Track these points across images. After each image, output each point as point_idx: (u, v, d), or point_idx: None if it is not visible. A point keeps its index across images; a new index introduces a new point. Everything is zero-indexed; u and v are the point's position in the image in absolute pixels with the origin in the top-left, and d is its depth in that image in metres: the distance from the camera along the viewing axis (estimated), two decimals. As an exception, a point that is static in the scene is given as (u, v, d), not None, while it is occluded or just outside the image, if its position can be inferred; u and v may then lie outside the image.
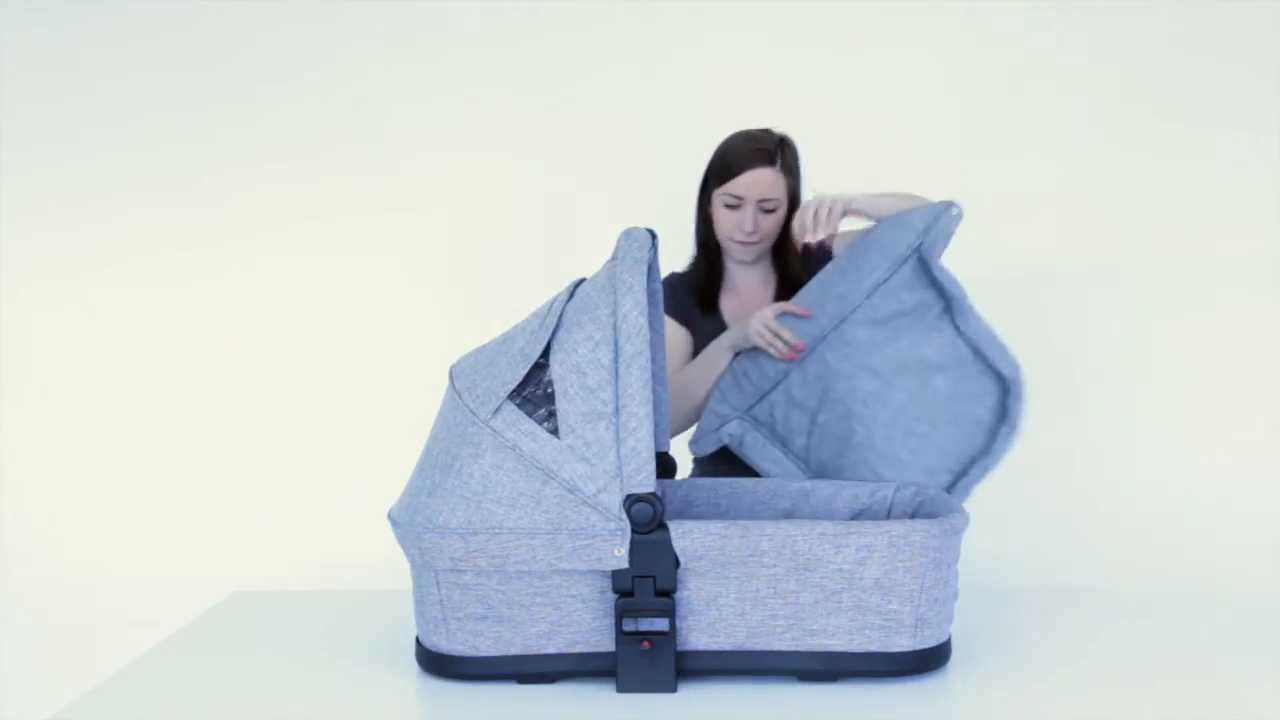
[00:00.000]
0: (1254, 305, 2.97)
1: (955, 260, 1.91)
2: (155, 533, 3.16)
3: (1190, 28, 2.94)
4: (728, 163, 2.13)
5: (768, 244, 2.19)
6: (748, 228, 2.12)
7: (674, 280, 2.28)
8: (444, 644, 1.58)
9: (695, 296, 2.25)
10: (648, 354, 1.48)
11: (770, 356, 2.00)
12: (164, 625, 2.14)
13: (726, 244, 2.19)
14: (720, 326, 2.21)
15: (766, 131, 2.15)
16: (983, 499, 2.28)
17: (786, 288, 2.20)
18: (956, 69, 2.99)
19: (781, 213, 2.14)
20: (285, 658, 1.72)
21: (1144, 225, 2.99)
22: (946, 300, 1.90)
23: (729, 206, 2.14)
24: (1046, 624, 1.81)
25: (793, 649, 1.55)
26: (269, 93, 3.08)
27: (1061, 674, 1.60)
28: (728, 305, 2.26)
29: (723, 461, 2.11)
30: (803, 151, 2.16)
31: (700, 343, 2.21)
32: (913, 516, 1.76)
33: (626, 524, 1.50)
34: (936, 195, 1.99)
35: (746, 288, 2.26)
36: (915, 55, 3.00)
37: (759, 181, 2.10)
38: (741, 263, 2.23)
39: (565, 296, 1.59)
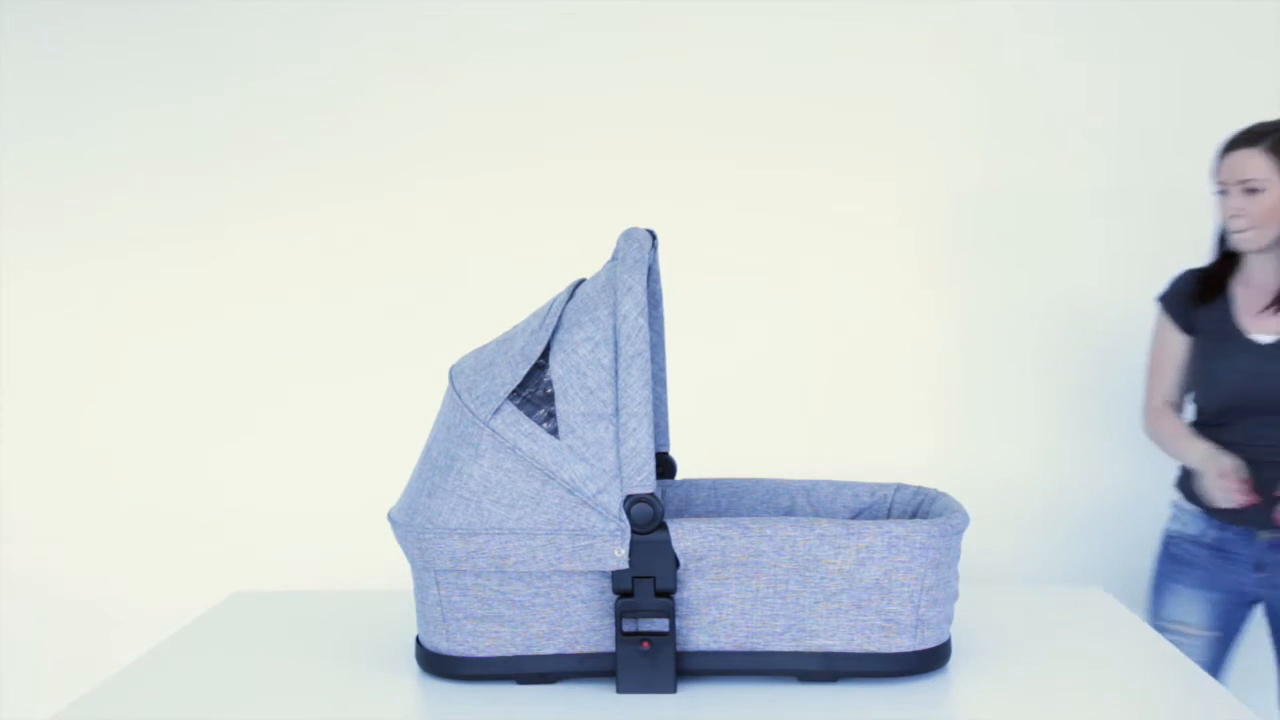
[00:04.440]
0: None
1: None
2: (155, 533, 3.16)
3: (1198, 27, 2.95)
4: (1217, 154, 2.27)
5: (1270, 230, 2.22)
6: (1230, 212, 2.22)
7: (1185, 276, 2.42)
8: (444, 644, 1.58)
9: (1196, 288, 2.38)
10: (648, 354, 1.48)
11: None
12: (164, 625, 2.14)
13: (1229, 236, 2.28)
14: (1224, 311, 2.33)
15: (1275, 120, 2.23)
16: (983, 499, 2.28)
17: None
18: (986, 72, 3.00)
19: (1272, 195, 2.19)
20: (285, 658, 1.72)
21: (1143, 225, 2.99)
22: None
23: (1219, 193, 2.26)
24: (1046, 624, 1.81)
25: (792, 649, 1.55)
26: (268, 91, 3.07)
27: (1061, 674, 1.60)
28: (1241, 294, 2.34)
29: None
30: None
31: (1204, 328, 2.35)
32: (913, 516, 1.76)
33: (626, 524, 1.50)
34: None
35: (1258, 277, 2.32)
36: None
37: (1234, 164, 2.20)
38: (1258, 253, 2.28)
39: (565, 297, 1.59)
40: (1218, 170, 2.26)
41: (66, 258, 3.14)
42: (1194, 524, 2.37)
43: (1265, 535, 2.29)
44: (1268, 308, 2.27)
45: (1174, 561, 2.40)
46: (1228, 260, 2.36)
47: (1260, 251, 2.27)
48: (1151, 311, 2.49)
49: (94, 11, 3.07)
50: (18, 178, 3.13)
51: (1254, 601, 2.35)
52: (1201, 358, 2.37)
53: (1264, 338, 2.29)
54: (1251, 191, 2.19)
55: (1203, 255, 2.47)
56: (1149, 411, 2.47)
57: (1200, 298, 2.37)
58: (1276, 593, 2.30)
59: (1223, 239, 2.36)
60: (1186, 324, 2.40)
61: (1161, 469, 2.56)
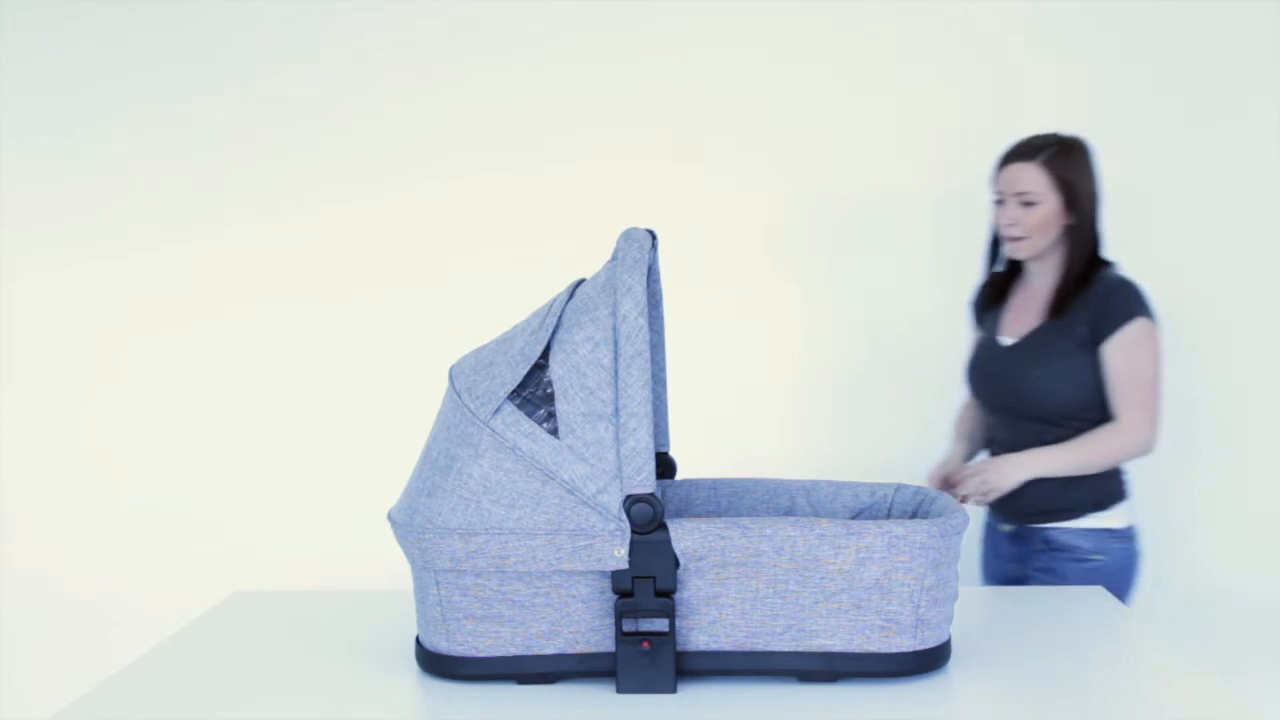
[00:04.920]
0: (1258, 305, 2.97)
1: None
2: (155, 533, 3.16)
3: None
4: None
5: (1040, 241, 2.23)
6: (1005, 222, 2.23)
7: (982, 282, 2.45)
8: (444, 644, 1.58)
9: (985, 293, 2.42)
10: (648, 354, 1.48)
11: None
12: (164, 625, 2.14)
13: (1004, 244, 2.30)
14: (998, 315, 2.37)
15: (1055, 134, 2.24)
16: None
17: (1060, 294, 2.24)
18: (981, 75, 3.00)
19: (1046, 208, 2.19)
20: (285, 658, 1.72)
21: (1147, 225, 2.99)
22: None
23: (996, 203, 2.27)
24: (1046, 624, 1.81)
25: (792, 649, 1.55)
26: (268, 90, 3.07)
27: (1061, 674, 1.60)
28: (1019, 299, 2.36)
29: None
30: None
31: (983, 330, 2.40)
32: (913, 516, 1.76)
33: (626, 524, 1.50)
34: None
35: (1035, 282, 2.33)
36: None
37: (1012, 176, 2.21)
38: (1033, 260, 2.29)
39: (565, 297, 1.59)
40: (995, 180, 2.27)
41: (66, 258, 3.14)
42: (983, 513, 2.48)
43: (1005, 527, 2.36)
44: (1038, 315, 2.28)
45: (981, 544, 2.49)
46: (1014, 267, 2.38)
47: (1036, 259, 2.29)
48: None
49: (94, 12, 3.07)
50: (18, 177, 3.13)
51: (1019, 582, 2.36)
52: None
53: (1007, 340, 2.32)
54: (1027, 204, 2.20)
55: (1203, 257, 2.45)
56: (962, 406, 2.57)
57: (989, 301, 2.41)
58: (1029, 573, 2.31)
59: (995, 245, 2.38)
60: (978, 325, 2.47)
61: (1162, 469, 2.56)
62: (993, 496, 2.18)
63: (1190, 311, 2.86)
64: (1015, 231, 2.23)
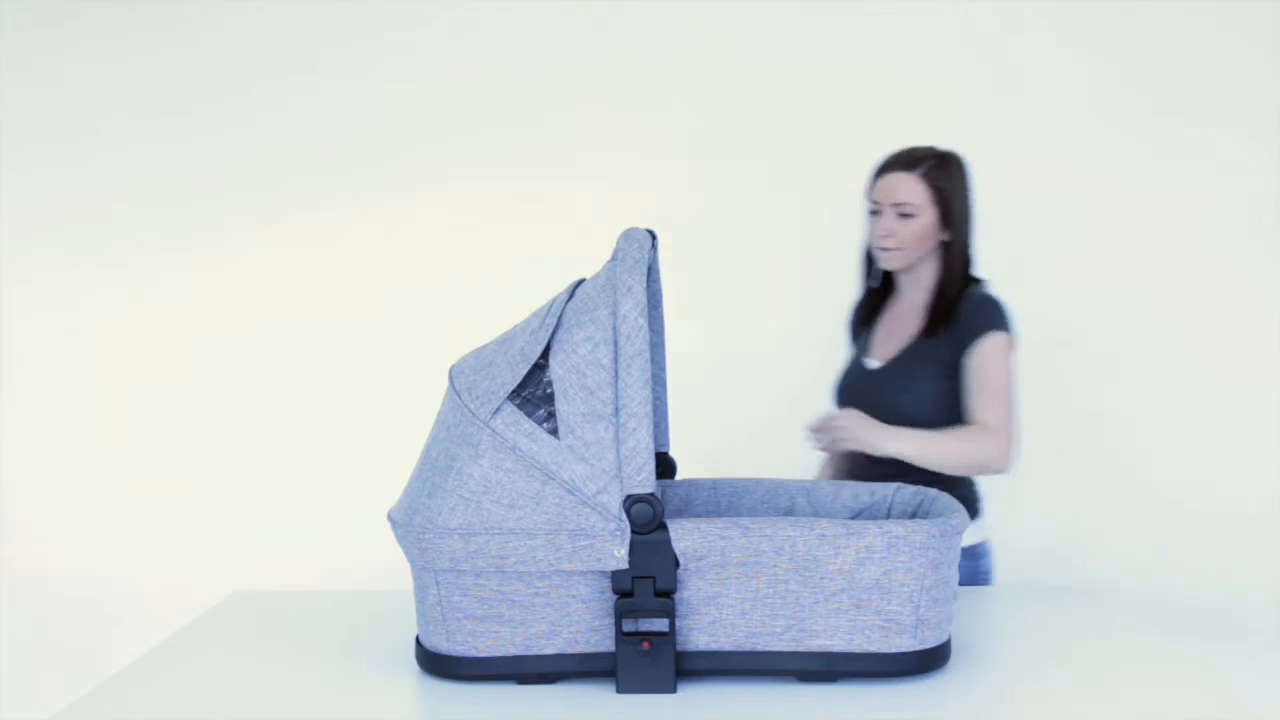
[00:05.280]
0: (1258, 305, 2.97)
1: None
2: (155, 533, 3.16)
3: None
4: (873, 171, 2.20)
5: (913, 253, 2.17)
6: (881, 232, 2.16)
7: (857, 301, 2.38)
8: (444, 644, 1.58)
9: (859, 313, 2.36)
10: (648, 354, 1.48)
11: None
12: (164, 625, 2.14)
13: (876, 254, 2.22)
14: (870, 335, 2.29)
15: (932, 147, 2.19)
16: (984, 500, 2.28)
17: (932, 313, 2.18)
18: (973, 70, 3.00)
19: (923, 220, 2.14)
20: (285, 658, 1.72)
21: (1146, 224, 2.99)
22: None
23: (872, 213, 2.20)
24: (1046, 624, 1.81)
25: (792, 649, 1.55)
26: (268, 90, 3.07)
27: (1061, 674, 1.60)
28: (889, 317, 2.29)
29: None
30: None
31: (858, 350, 2.30)
32: (912, 516, 1.76)
33: (626, 524, 1.50)
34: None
35: (906, 298, 2.27)
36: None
37: (889, 186, 2.15)
38: (904, 272, 2.24)
39: (565, 297, 1.59)
40: (871, 190, 2.20)
41: (69, 260, 3.14)
42: None
43: None
44: (909, 335, 2.21)
45: None
46: (888, 281, 2.30)
47: (906, 271, 2.23)
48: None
49: (94, 12, 3.07)
50: (21, 179, 3.13)
51: None
52: None
53: (873, 363, 2.26)
54: (905, 215, 2.14)
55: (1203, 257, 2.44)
56: None
57: (863, 320, 2.35)
58: None
59: (869, 260, 2.30)
60: (852, 343, 2.40)
61: (1161, 469, 2.57)
62: (840, 447, 2.08)
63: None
64: (890, 243, 2.16)
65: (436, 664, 1.59)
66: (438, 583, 1.55)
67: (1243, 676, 2.63)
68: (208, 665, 1.70)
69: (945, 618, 1.58)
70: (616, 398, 1.50)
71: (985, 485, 2.26)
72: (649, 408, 1.48)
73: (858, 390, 2.26)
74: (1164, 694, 1.54)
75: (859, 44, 2.99)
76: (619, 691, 1.53)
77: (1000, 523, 2.36)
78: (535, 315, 1.59)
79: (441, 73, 3.05)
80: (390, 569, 1.96)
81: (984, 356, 2.09)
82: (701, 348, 2.88)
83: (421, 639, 1.62)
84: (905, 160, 2.16)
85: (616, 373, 1.50)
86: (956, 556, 1.57)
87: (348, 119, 3.08)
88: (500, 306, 2.17)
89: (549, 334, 1.54)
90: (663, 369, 1.79)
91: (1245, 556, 2.97)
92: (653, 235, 1.64)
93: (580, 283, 1.63)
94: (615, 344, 1.50)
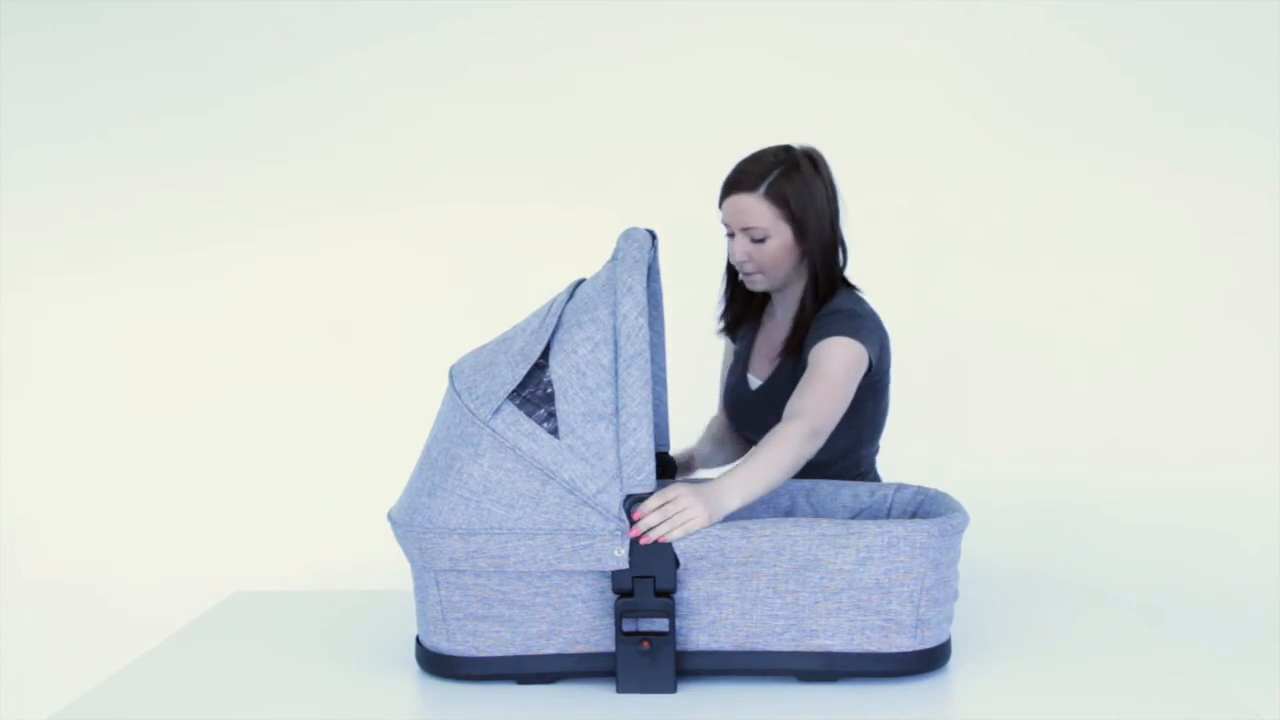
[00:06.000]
0: (1258, 304, 2.97)
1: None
2: (156, 533, 3.16)
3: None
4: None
5: (776, 274, 1.98)
6: (739, 257, 1.97)
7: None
8: (444, 644, 1.58)
9: (725, 320, 2.16)
10: (648, 354, 1.48)
11: None
12: (165, 625, 2.14)
13: (741, 276, 2.03)
14: (748, 345, 2.12)
15: (780, 149, 1.98)
16: (984, 499, 2.28)
17: (795, 330, 1.99)
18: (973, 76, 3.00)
19: (777, 241, 1.94)
20: (285, 658, 1.72)
21: (1147, 223, 2.99)
22: None
23: (727, 235, 2.01)
24: (1046, 624, 1.81)
25: (792, 649, 1.55)
26: (268, 92, 3.08)
27: (1061, 674, 1.60)
28: (765, 329, 2.12)
29: None
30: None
31: (737, 356, 2.14)
32: (913, 516, 1.76)
33: (626, 524, 1.50)
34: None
35: (779, 312, 2.09)
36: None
37: (735, 209, 1.95)
38: (776, 291, 2.05)
39: (565, 297, 1.59)
40: (720, 210, 1.99)
41: (74, 262, 3.14)
42: None
43: None
44: (778, 352, 2.02)
45: None
46: (749, 295, 2.11)
47: (779, 290, 2.04)
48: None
49: (94, 12, 3.07)
50: (23, 180, 3.13)
51: None
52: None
53: (754, 380, 2.09)
54: (757, 240, 1.93)
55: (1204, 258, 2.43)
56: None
57: (732, 330, 2.17)
58: None
59: (733, 276, 2.11)
60: (735, 343, 2.21)
61: (1161, 469, 2.57)
62: (693, 528, 1.54)
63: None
64: (749, 267, 1.97)
65: (436, 664, 1.59)
66: (438, 583, 1.55)
67: (1241, 676, 2.64)
68: (208, 665, 1.71)
69: (945, 617, 1.58)
70: (616, 397, 1.50)
71: (883, 466, 2.13)
72: (649, 408, 1.48)
73: (744, 408, 2.10)
74: (1163, 693, 1.54)
75: (859, 44, 2.99)
76: (619, 691, 1.53)
77: (1000, 522, 2.35)
78: (535, 315, 1.59)
79: (442, 73, 3.05)
80: (390, 569, 1.96)
81: (816, 354, 1.85)
82: (701, 348, 2.88)
83: (421, 639, 1.62)
84: (749, 179, 1.95)
85: (616, 373, 1.50)
86: (957, 556, 1.57)
87: (348, 120, 3.08)
88: (500, 306, 2.17)
89: (549, 334, 1.54)
90: (663, 369, 1.79)
91: (1244, 557, 2.97)
92: (653, 235, 1.64)
93: (580, 283, 1.63)
94: (615, 344, 1.50)
